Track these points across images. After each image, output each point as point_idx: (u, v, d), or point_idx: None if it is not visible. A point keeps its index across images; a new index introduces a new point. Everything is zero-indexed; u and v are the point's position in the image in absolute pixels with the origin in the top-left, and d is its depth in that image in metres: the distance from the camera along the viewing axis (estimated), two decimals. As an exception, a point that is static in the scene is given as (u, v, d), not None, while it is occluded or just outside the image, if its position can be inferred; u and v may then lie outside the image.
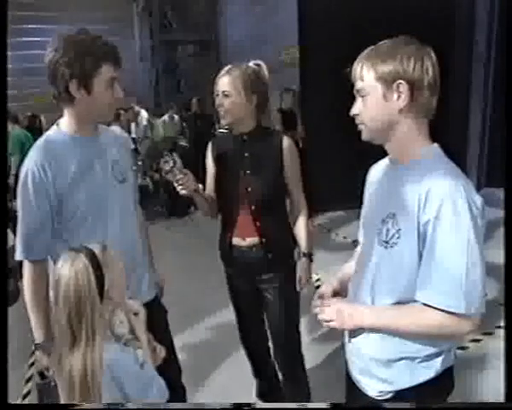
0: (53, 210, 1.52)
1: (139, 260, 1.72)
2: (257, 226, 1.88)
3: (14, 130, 6.83)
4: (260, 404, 2.25)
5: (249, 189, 1.88)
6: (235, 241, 1.96)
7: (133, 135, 7.90)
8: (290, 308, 2.03)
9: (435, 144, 1.18)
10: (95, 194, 1.56)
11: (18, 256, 1.55)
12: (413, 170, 1.13)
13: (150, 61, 11.56)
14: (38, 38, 10.72)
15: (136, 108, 8.48)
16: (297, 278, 1.96)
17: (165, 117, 8.46)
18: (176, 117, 8.20)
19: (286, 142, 1.90)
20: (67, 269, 1.17)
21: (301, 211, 2.00)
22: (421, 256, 1.09)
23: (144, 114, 9.15)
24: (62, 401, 1.24)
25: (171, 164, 1.76)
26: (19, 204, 1.53)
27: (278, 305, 1.99)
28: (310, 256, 1.98)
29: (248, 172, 1.89)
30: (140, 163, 6.30)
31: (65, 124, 1.56)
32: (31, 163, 1.49)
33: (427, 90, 1.11)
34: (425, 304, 1.09)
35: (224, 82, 1.85)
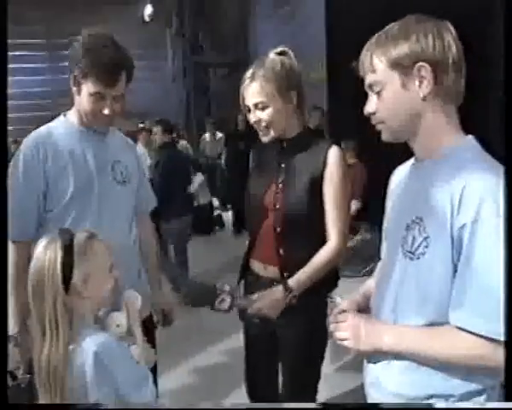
0: (40, 193, 1.50)
1: (132, 272, 1.61)
2: (279, 255, 1.56)
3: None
4: (250, 404, 1.99)
5: (277, 205, 1.58)
6: (256, 266, 1.67)
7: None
8: (311, 359, 1.68)
9: (470, 136, 1.00)
10: (84, 186, 1.52)
11: None
12: (444, 166, 0.96)
13: (182, 83, 11.83)
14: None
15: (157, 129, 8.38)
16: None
17: (207, 135, 8.24)
18: (219, 135, 7.90)
19: (333, 152, 1.53)
20: (38, 252, 1.15)
21: (328, 244, 1.55)
22: (454, 269, 0.91)
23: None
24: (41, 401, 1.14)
25: (228, 301, 1.49)
26: (9, 183, 1.49)
27: (297, 353, 1.65)
28: (286, 289, 1.51)
29: (281, 185, 1.58)
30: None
31: (70, 114, 1.60)
32: (26, 144, 1.52)
33: (452, 69, 0.94)
34: (459, 327, 0.90)
35: (252, 92, 1.52)
